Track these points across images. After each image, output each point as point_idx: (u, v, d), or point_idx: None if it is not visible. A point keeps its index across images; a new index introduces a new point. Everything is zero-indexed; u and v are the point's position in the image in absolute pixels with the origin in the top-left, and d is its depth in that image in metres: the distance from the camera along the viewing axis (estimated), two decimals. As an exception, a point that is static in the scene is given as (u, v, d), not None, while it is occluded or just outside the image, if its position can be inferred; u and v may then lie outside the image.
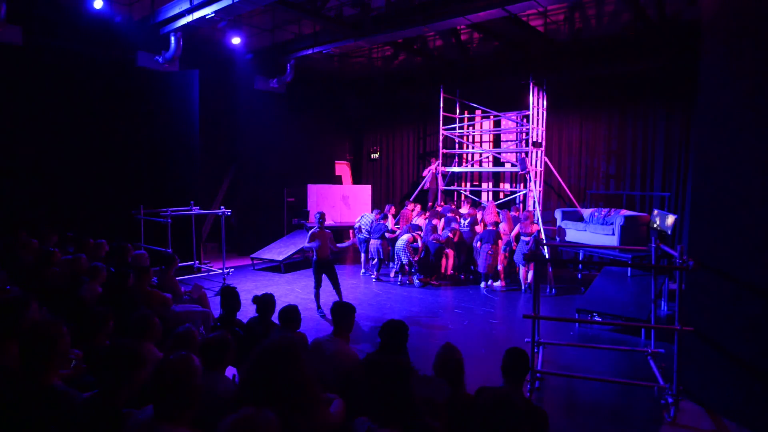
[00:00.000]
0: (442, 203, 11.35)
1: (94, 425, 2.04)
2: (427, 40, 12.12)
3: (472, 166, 12.38)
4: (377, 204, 13.54)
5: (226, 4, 7.75)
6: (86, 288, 4.53)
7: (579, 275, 9.32)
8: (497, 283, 8.62)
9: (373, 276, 9.34)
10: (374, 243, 9.27)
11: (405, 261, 8.70)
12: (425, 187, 12.00)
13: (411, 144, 13.97)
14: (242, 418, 1.62)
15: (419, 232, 8.89)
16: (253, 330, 3.95)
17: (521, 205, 10.79)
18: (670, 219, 7.58)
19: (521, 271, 8.46)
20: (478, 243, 8.75)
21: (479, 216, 9.56)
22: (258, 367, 2.12)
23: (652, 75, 9.45)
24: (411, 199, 11.37)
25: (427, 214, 10.76)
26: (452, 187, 12.11)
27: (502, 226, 8.62)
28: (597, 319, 6.48)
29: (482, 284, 8.53)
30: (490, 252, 8.45)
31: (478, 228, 9.22)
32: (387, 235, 9.25)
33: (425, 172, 12.06)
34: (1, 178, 8.16)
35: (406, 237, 8.76)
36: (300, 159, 12.73)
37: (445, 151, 11.98)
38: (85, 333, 3.22)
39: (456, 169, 12.01)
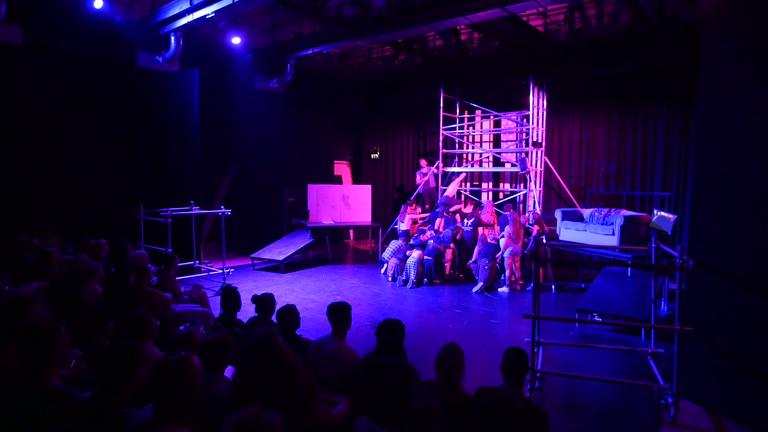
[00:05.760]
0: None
1: (94, 425, 2.04)
2: (427, 40, 12.12)
3: (472, 166, 12.38)
4: (377, 204, 13.56)
5: (226, 4, 7.75)
6: (86, 288, 4.53)
7: (579, 275, 9.32)
8: (502, 289, 8.62)
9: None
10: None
11: (414, 276, 8.80)
12: (419, 191, 12.04)
13: (411, 144, 13.96)
14: (247, 417, 1.62)
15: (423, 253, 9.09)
16: (253, 330, 3.95)
17: (521, 205, 10.80)
18: (670, 218, 7.58)
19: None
20: (477, 255, 8.85)
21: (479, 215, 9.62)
22: (245, 366, 2.12)
23: (652, 75, 9.44)
24: (412, 199, 11.39)
25: (427, 216, 10.80)
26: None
27: (508, 230, 8.61)
28: (597, 319, 6.48)
29: (474, 288, 8.54)
30: (486, 267, 8.51)
31: (481, 230, 9.25)
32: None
33: (417, 180, 12.09)
34: (1, 177, 8.16)
35: (417, 254, 8.92)
36: (300, 159, 12.72)
37: (445, 151, 11.98)
38: (85, 333, 3.21)
39: (456, 169, 12.01)
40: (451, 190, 11.46)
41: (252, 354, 2.12)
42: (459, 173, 11.75)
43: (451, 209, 10.35)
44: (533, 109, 10.29)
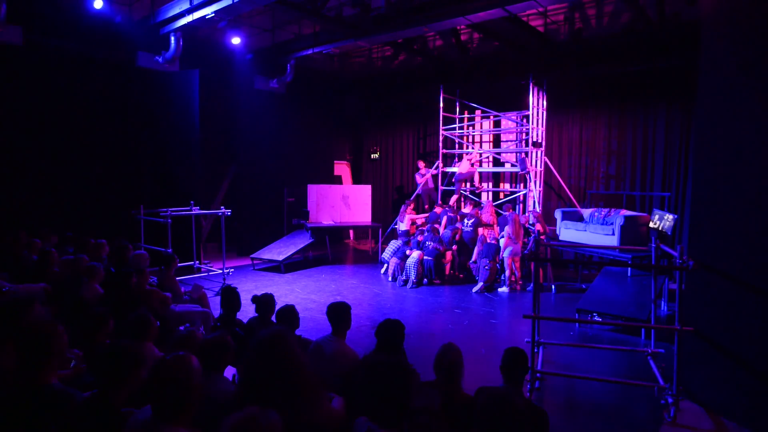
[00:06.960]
0: (440, 203, 11.35)
1: (94, 425, 2.04)
2: (427, 40, 12.12)
3: (472, 166, 12.36)
4: (377, 204, 13.55)
5: (226, 4, 7.74)
6: (86, 288, 4.53)
7: (579, 275, 9.32)
8: (502, 289, 8.61)
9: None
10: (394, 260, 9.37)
11: (414, 276, 8.80)
12: (419, 192, 12.05)
13: (411, 144, 13.96)
14: (246, 417, 1.62)
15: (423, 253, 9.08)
16: (253, 330, 3.95)
17: (521, 205, 10.80)
18: (670, 218, 7.58)
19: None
20: (477, 255, 8.85)
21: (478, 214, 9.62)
22: (254, 360, 2.13)
23: (652, 75, 9.44)
24: (411, 200, 11.39)
25: (427, 216, 10.81)
26: (452, 188, 12.10)
27: (507, 230, 8.61)
28: (597, 319, 6.48)
29: (474, 288, 8.54)
30: (487, 267, 8.51)
31: (481, 230, 9.25)
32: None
33: (418, 180, 12.11)
34: (0, 178, 8.16)
35: (417, 255, 8.91)
36: (300, 159, 12.73)
37: (445, 151, 11.98)
38: (85, 333, 3.21)
39: (456, 169, 12.00)
40: (463, 166, 11.37)
41: (262, 348, 2.13)
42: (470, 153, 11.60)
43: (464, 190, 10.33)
44: (533, 109, 10.28)
